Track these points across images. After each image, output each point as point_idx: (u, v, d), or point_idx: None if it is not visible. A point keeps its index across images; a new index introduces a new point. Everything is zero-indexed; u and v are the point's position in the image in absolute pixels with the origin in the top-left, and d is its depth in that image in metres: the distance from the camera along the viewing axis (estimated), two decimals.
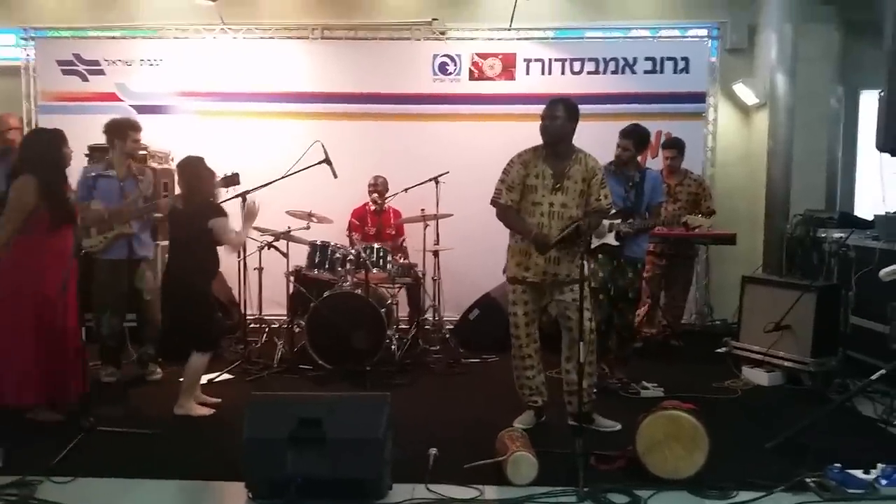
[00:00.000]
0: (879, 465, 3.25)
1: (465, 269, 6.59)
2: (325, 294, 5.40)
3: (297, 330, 5.61)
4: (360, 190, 6.43)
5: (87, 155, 5.75)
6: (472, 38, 7.05)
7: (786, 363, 5.00)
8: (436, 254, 6.11)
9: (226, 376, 5.12)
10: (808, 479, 3.23)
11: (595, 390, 4.21)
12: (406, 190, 6.12)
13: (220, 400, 4.52)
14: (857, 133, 7.35)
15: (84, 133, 5.65)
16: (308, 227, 5.76)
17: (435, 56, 6.97)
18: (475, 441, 3.83)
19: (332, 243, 5.59)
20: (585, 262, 3.57)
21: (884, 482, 3.18)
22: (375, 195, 6.34)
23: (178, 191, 5.49)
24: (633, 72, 6.91)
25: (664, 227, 5.57)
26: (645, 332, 6.01)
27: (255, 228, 5.52)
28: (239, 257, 5.50)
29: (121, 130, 4.87)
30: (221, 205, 4.47)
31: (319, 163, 5.41)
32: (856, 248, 5.25)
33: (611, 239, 4.67)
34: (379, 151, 6.81)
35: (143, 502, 3.27)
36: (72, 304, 3.93)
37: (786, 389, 4.98)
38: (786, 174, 6.77)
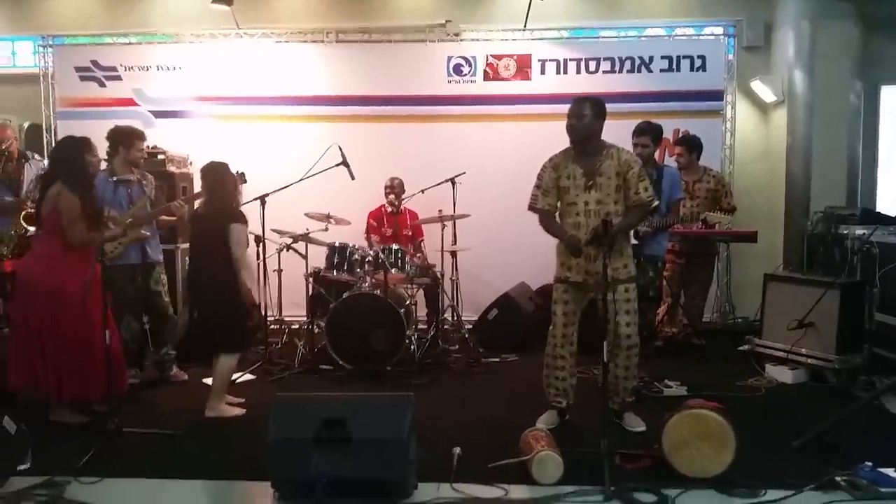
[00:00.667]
0: None
1: (482, 269, 6.60)
2: (345, 295, 5.41)
3: (316, 331, 5.62)
4: (377, 191, 6.43)
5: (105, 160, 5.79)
6: (486, 39, 7.04)
7: (810, 360, 4.96)
8: (453, 254, 6.11)
9: (248, 377, 5.14)
10: (838, 478, 3.19)
11: (633, 397, 4.15)
12: (423, 191, 6.12)
13: (243, 400, 4.53)
14: (878, 129, 7.28)
15: (102, 139, 5.64)
16: (326, 229, 5.77)
17: (449, 57, 6.97)
18: (498, 440, 3.81)
19: (351, 245, 5.60)
20: (605, 261, 3.55)
21: None
22: (392, 196, 6.35)
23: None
24: (650, 70, 6.87)
25: (682, 225, 5.54)
26: (666, 332, 5.98)
27: (275, 231, 5.56)
28: (258, 259, 5.52)
29: (126, 138, 4.88)
30: (243, 212, 4.45)
31: (337, 165, 5.45)
32: (880, 245, 5.20)
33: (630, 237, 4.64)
34: (395, 153, 6.81)
35: (170, 503, 3.28)
36: (96, 306, 3.93)
37: (810, 387, 4.94)
38: (805, 171, 6.75)
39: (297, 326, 6.20)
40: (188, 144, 6.82)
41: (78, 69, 7.09)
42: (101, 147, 5.60)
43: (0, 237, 5.31)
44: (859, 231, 5.51)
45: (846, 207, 6.35)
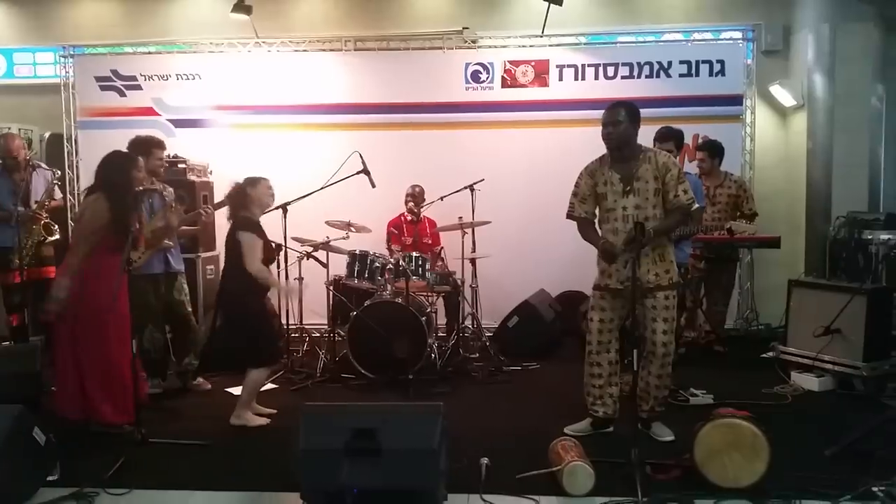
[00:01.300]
0: None
1: (501, 277, 6.58)
2: (366, 303, 5.40)
3: (337, 339, 5.61)
4: (396, 199, 6.44)
5: None
6: (503, 46, 7.03)
7: (836, 368, 4.90)
8: (473, 261, 6.10)
9: (270, 386, 5.13)
10: (875, 488, 3.15)
11: (663, 407, 4.11)
12: (442, 198, 6.10)
13: (275, 411, 4.53)
14: None
15: (122, 148, 5.69)
16: (347, 237, 5.77)
17: (467, 64, 6.97)
18: (525, 450, 3.80)
19: (372, 252, 5.59)
20: (634, 265, 3.52)
21: None
22: (412, 204, 6.35)
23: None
24: (668, 75, 6.84)
25: (705, 233, 5.52)
26: (685, 336, 5.93)
27: (295, 239, 5.57)
28: (279, 268, 5.51)
29: (145, 148, 4.89)
30: (256, 222, 4.39)
31: (358, 173, 5.44)
32: None
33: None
34: (413, 160, 6.81)
35: None
36: (123, 316, 3.93)
37: (837, 395, 4.89)
38: (826, 176, 6.68)
39: (317, 335, 6.20)
40: (208, 153, 6.84)
41: (98, 79, 7.15)
42: None
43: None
44: (884, 236, 5.47)
45: (869, 212, 6.30)
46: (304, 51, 7.10)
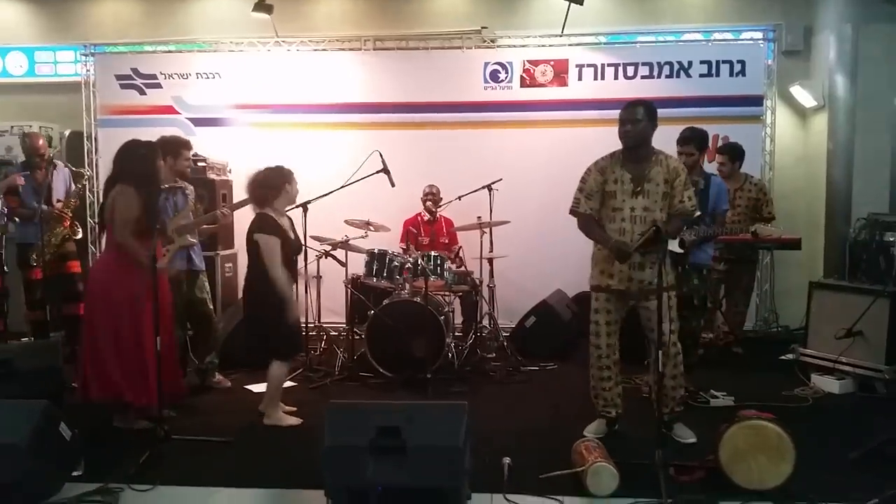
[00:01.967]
0: None
1: (518, 276, 6.58)
2: (385, 302, 5.41)
3: (355, 338, 5.63)
4: (414, 198, 6.45)
5: None
6: (523, 45, 7.03)
7: (858, 370, 4.87)
8: (490, 261, 6.10)
9: (289, 384, 5.12)
10: None
11: (682, 407, 4.09)
12: (460, 198, 6.11)
13: (295, 409, 4.53)
14: None
15: None
16: (366, 236, 5.78)
17: (486, 64, 6.98)
18: (545, 450, 3.80)
19: (390, 251, 5.60)
20: (663, 268, 3.50)
21: None
22: (429, 204, 6.35)
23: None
24: (689, 75, 6.82)
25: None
26: (703, 338, 5.89)
27: (314, 238, 5.58)
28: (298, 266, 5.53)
29: (174, 148, 4.89)
30: (273, 219, 4.34)
31: (378, 172, 5.45)
32: None
33: (675, 246, 4.57)
34: (432, 160, 6.82)
35: None
36: (149, 311, 3.94)
37: (858, 397, 4.86)
38: (847, 177, 6.63)
39: (335, 333, 6.22)
40: (227, 152, 6.88)
41: (118, 77, 7.21)
42: None
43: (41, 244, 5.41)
44: None
45: (891, 214, 6.24)
46: (324, 50, 7.13)
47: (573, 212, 4.05)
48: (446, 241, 6.43)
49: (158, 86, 7.17)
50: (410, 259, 5.55)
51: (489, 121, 6.94)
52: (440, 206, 6.39)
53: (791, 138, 7.15)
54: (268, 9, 6.70)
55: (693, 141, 4.80)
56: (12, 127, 7.00)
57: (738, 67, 6.81)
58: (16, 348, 4.71)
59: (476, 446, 3.52)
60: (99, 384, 4.03)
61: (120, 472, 3.48)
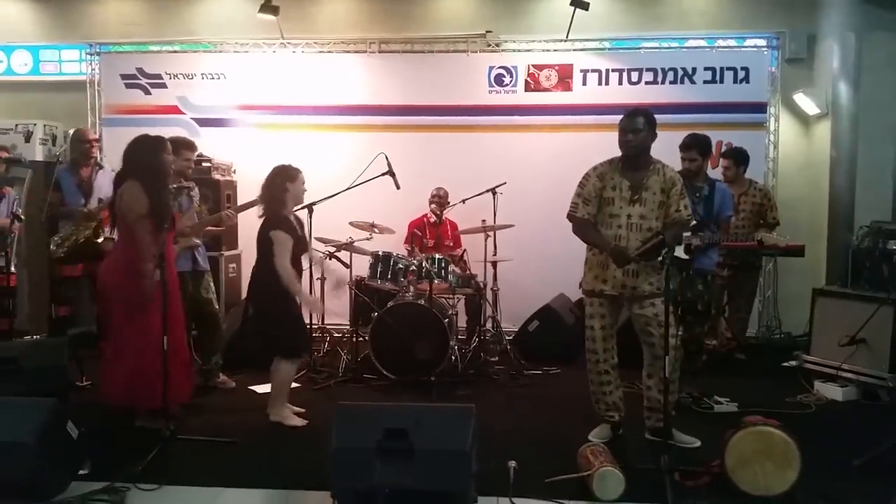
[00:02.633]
0: None
1: (521, 280, 6.57)
2: (389, 304, 5.42)
3: (358, 339, 5.63)
4: (418, 201, 6.46)
5: None
6: (527, 50, 7.05)
7: (861, 378, 4.89)
8: (494, 264, 6.10)
9: (293, 384, 5.14)
10: None
11: (674, 412, 4.10)
12: (464, 201, 6.13)
13: (304, 410, 4.53)
14: None
15: None
16: (370, 238, 5.79)
17: (491, 68, 6.99)
18: (548, 454, 3.81)
19: (395, 254, 5.60)
20: (667, 276, 3.51)
21: None
22: (435, 206, 6.37)
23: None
24: (693, 82, 6.85)
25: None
26: (707, 344, 5.90)
27: (318, 239, 5.58)
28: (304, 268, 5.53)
29: (175, 148, 4.87)
30: (289, 220, 4.40)
31: (383, 174, 5.45)
32: None
33: (680, 252, 4.58)
34: (436, 163, 6.83)
35: None
36: (169, 310, 3.93)
37: (861, 405, 4.87)
38: (850, 185, 6.65)
39: (339, 335, 6.22)
40: (232, 153, 6.90)
41: (123, 76, 7.22)
42: None
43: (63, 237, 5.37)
44: None
45: (894, 222, 6.26)
46: (329, 52, 7.14)
47: (570, 216, 4.09)
48: (451, 243, 6.45)
49: (163, 86, 7.17)
50: (415, 261, 5.56)
51: (493, 125, 6.96)
52: (446, 210, 6.39)
53: (794, 145, 7.18)
54: (274, 10, 6.72)
55: (695, 146, 4.79)
56: (17, 125, 7.00)
57: (741, 74, 6.84)
58: (21, 346, 4.70)
59: (479, 449, 3.54)
60: (113, 383, 4.04)
61: (126, 471, 3.47)
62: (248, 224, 5.38)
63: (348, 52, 7.13)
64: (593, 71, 6.94)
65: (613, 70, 6.92)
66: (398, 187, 5.47)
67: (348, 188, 5.39)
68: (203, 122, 7.11)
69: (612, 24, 7.18)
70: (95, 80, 7.30)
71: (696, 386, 4.82)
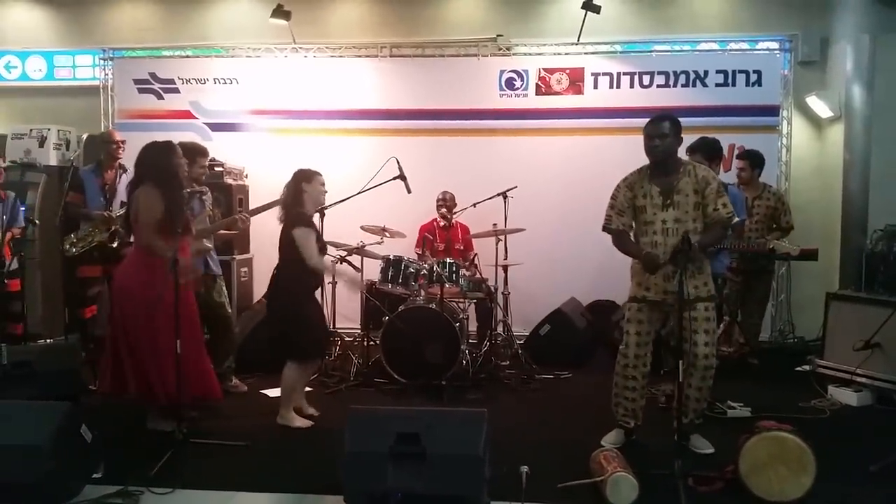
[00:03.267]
0: None
1: (532, 284, 6.56)
2: (400, 308, 5.42)
3: (370, 343, 5.63)
4: (429, 205, 6.46)
5: None
6: (538, 53, 7.06)
7: (876, 383, 4.84)
8: (505, 268, 6.09)
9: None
10: None
11: (701, 419, 4.06)
12: (475, 205, 6.11)
13: (318, 413, 4.55)
14: None
15: None
16: (381, 242, 5.79)
17: (502, 71, 7.00)
18: (560, 459, 3.81)
19: (406, 258, 5.61)
20: (680, 280, 3.50)
21: None
22: (444, 210, 6.37)
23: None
24: (705, 85, 6.82)
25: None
26: (722, 351, 5.87)
27: (330, 243, 5.58)
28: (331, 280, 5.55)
29: (189, 154, 4.89)
30: (307, 216, 4.43)
31: (394, 178, 5.45)
32: None
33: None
34: (447, 167, 6.83)
35: None
36: (183, 313, 3.94)
37: (876, 410, 4.83)
38: (863, 188, 6.61)
39: (350, 339, 6.23)
40: (244, 157, 6.93)
41: (136, 81, 7.26)
42: None
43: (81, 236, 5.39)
44: None
45: None
46: (341, 57, 7.17)
47: (605, 228, 4.07)
48: (461, 247, 6.44)
49: (176, 90, 7.22)
50: (426, 265, 5.56)
51: (504, 128, 6.95)
52: (454, 213, 6.40)
53: (807, 149, 7.13)
54: (286, 15, 6.75)
55: (700, 150, 4.77)
56: (31, 130, 7.04)
57: (754, 77, 6.81)
58: (35, 350, 4.74)
59: (491, 453, 3.54)
60: (122, 384, 4.05)
61: (139, 474, 3.49)
62: (261, 229, 5.43)
63: (360, 56, 7.15)
64: (604, 74, 6.92)
65: (625, 73, 6.90)
66: (409, 191, 5.47)
67: (360, 192, 5.40)
68: (215, 127, 7.14)
69: (623, 28, 7.17)
70: (109, 85, 7.35)
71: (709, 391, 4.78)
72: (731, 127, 6.67)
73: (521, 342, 6.21)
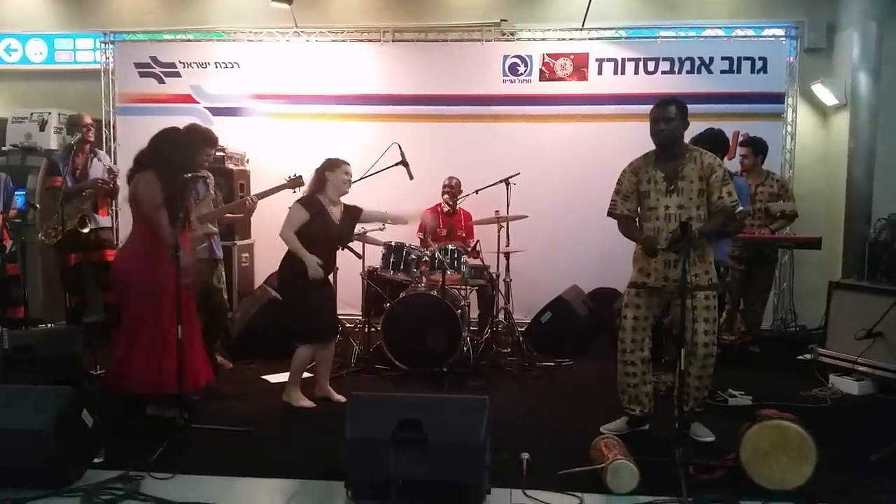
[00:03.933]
0: None
1: (534, 271, 6.55)
2: (402, 295, 5.41)
3: (371, 330, 5.63)
4: (431, 191, 6.43)
5: None
6: (542, 39, 7.00)
7: (878, 372, 4.84)
8: (507, 255, 6.07)
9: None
10: None
11: (702, 408, 4.04)
12: (477, 191, 6.08)
13: (344, 400, 4.52)
14: None
15: None
16: (383, 228, 5.76)
17: (505, 57, 6.94)
18: (561, 446, 3.80)
19: (408, 244, 5.59)
20: (683, 267, 3.48)
21: None
22: (447, 196, 6.34)
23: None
24: (710, 71, 6.77)
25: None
26: (724, 339, 5.86)
27: None
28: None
29: (200, 143, 4.88)
30: (319, 201, 4.48)
31: (396, 164, 5.43)
32: None
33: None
34: (449, 153, 6.80)
35: (243, 500, 3.31)
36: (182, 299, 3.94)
37: (878, 399, 4.82)
38: (868, 177, 6.59)
39: (351, 325, 6.23)
40: (246, 142, 6.91)
41: (137, 65, 7.22)
42: None
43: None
44: None
45: None
46: (343, 41, 7.11)
47: (611, 213, 4.05)
48: (464, 234, 6.42)
49: (177, 74, 7.17)
50: (428, 252, 5.54)
51: (508, 114, 6.91)
52: (459, 199, 6.37)
53: (812, 136, 7.09)
54: None
55: (702, 142, 4.72)
56: (32, 114, 7.02)
57: (759, 64, 6.76)
58: (36, 335, 4.73)
59: (493, 441, 3.54)
60: (127, 371, 4.05)
61: (140, 459, 3.49)
62: (262, 214, 5.40)
63: (362, 41, 7.10)
64: (609, 60, 6.87)
65: (629, 59, 6.85)
66: (411, 177, 5.45)
67: (361, 178, 5.35)
68: (216, 111, 7.10)
69: (628, 13, 7.11)
70: (109, 68, 7.30)
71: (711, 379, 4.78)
72: (735, 114, 6.64)
73: (523, 329, 6.19)
